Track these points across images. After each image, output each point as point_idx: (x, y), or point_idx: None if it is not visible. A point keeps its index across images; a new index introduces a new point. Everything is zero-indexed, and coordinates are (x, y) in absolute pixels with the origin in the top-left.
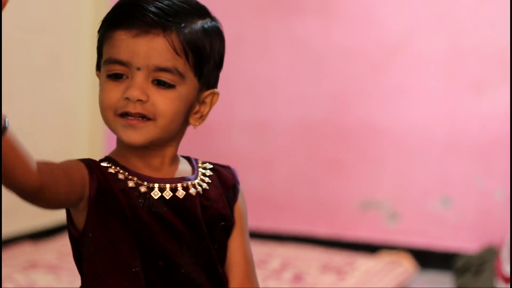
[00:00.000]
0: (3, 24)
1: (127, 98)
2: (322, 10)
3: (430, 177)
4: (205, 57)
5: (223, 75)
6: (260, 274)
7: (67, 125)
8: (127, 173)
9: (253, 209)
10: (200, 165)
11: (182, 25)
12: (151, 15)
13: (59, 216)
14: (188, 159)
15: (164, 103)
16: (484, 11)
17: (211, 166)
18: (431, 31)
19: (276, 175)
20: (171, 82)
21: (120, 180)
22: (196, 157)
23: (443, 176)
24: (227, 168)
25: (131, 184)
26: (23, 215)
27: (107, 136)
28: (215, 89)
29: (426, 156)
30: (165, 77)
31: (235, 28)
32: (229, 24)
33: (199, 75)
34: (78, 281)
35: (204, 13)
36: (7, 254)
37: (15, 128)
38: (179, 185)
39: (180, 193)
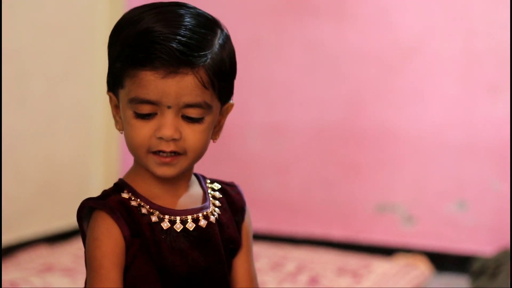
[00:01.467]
0: (19, 28)
1: (161, 138)
2: (337, 13)
3: (445, 180)
4: (227, 78)
5: (238, 78)
6: (275, 277)
7: (82, 129)
8: (148, 206)
9: (269, 212)
10: (208, 185)
11: (207, 57)
12: (177, 55)
13: (74, 219)
14: (196, 177)
15: (195, 137)
16: (499, 13)
17: (219, 187)
18: (446, 34)
19: (292, 178)
20: (200, 116)
21: (144, 214)
22: (211, 161)
23: (458, 179)
24: (233, 186)
25: (154, 218)
26: (39, 218)
27: (122, 140)
28: (231, 101)
29: (441, 159)
30: (194, 112)
31: (251, 31)
32: (244, 27)
33: (221, 96)
34: None
35: (214, 26)
36: (23, 257)
37: (31, 132)
38: (200, 214)
39: (203, 223)
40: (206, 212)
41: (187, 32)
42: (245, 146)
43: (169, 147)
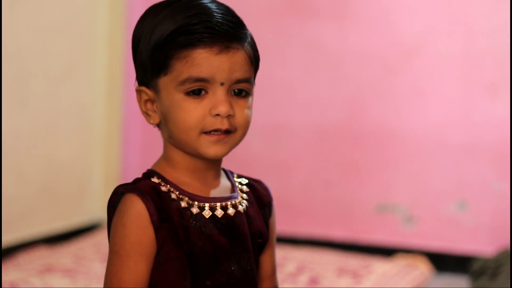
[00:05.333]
0: (19, 29)
1: (217, 115)
2: (337, 13)
3: (446, 180)
4: (258, 63)
5: None
6: None
7: (83, 130)
8: (178, 192)
9: None
10: (236, 179)
11: (249, 35)
12: (230, 31)
13: (75, 220)
14: (224, 171)
15: (244, 113)
16: (499, 13)
17: (247, 181)
18: (447, 34)
19: (292, 178)
20: (248, 92)
21: (174, 200)
22: None
23: (459, 179)
24: (260, 183)
25: (183, 204)
26: (39, 219)
27: (123, 141)
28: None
29: (442, 159)
30: (245, 86)
31: (252, 31)
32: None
33: (254, 78)
34: (93, 284)
35: (242, 21)
36: (23, 258)
37: (31, 132)
38: (228, 203)
39: (231, 211)
40: (235, 202)
41: (230, 16)
42: (245, 147)
43: (224, 125)
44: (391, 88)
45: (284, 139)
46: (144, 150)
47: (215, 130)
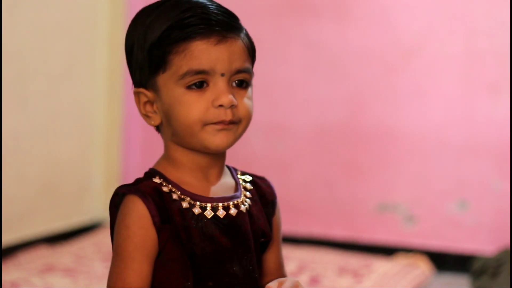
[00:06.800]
0: (19, 29)
1: (221, 106)
2: (338, 13)
3: (446, 180)
4: (255, 54)
5: None
6: None
7: (83, 129)
8: (179, 192)
9: None
10: (239, 176)
11: (243, 27)
12: (227, 21)
13: (76, 219)
14: (228, 168)
15: (246, 104)
16: (500, 12)
17: (250, 178)
18: (447, 33)
19: (293, 177)
20: (249, 82)
21: (175, 200)
22: None
23: (459, 179)
24: (264, 180)
25: (185, 204)
26: (40, 219)
27: (123, 140)
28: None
29: (442, 159)
30: (245, 77)
31: (252, 31)
32: (245, 27)
33: (252, 71)
34: (94, 284)
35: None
36: (24, 257)
37: (31, 132)
38: (230, 203)
39: (233, 211)
40: (237, 201)
41: (220, 6)
42: (246, 146)
43: (228, 116)
44: (391, 88)
45: (285, 138)
46: (145, 149)
47: (220, 122)
